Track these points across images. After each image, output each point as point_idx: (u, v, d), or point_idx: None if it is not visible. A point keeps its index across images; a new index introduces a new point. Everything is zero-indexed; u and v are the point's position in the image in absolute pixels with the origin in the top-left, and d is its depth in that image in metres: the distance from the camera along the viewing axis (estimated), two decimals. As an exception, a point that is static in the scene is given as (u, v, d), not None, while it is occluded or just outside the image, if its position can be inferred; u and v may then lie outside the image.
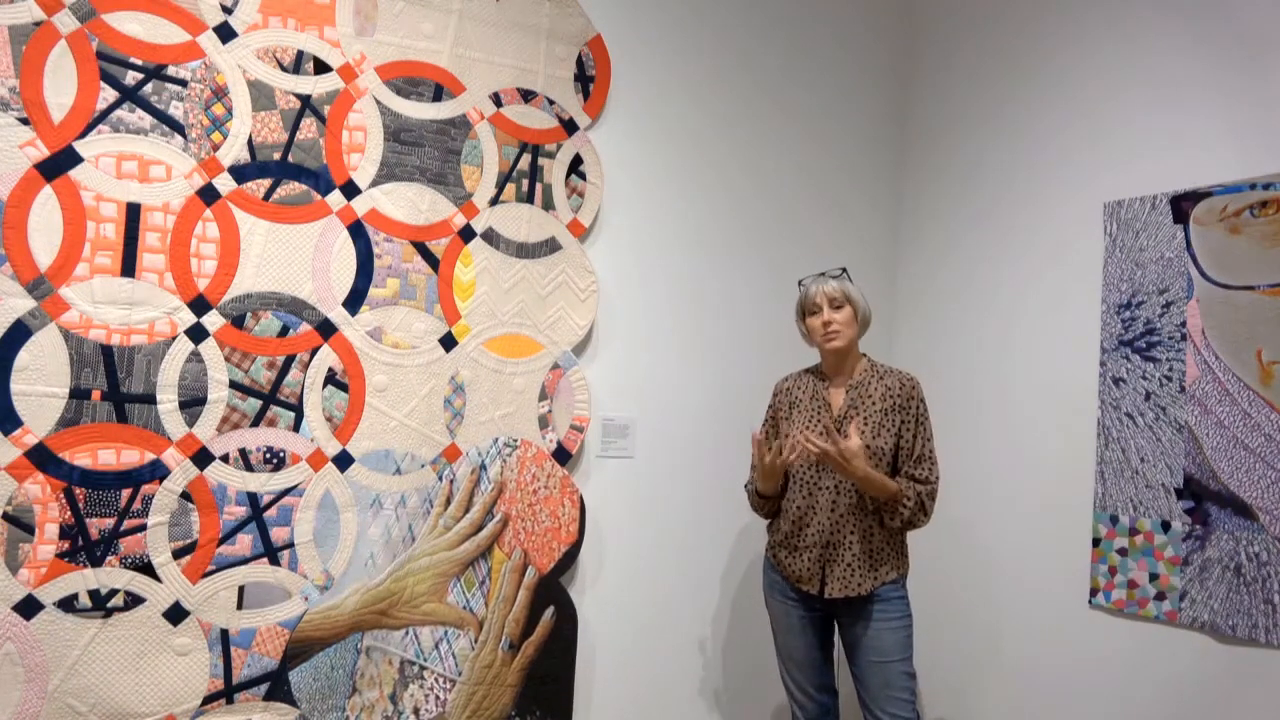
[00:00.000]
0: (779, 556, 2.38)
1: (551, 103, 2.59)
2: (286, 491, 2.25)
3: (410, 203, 2.40)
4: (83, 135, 2.05)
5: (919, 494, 2.24)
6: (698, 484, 2.85)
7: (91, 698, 2.05)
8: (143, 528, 2.09)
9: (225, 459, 2.18)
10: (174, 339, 2.14)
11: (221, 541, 2.18)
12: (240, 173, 2.21)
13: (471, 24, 2.49)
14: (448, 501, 2.44)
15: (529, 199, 2.56)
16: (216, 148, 2.19)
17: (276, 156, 2.25)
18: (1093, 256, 2.57)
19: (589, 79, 2.65)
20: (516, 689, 2.49)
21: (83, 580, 2.04)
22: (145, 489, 2.10)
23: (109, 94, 2.08)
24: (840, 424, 2.31)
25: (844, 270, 2.38)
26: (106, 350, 2.07)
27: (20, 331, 1.99)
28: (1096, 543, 2.49)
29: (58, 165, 2.03)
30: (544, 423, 2.56)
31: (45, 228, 2.02)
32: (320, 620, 2.28)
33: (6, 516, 1.97)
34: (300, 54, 2.28)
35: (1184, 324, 2.33)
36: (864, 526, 2.27)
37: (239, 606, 2.20)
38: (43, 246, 2.01)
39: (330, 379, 2.30)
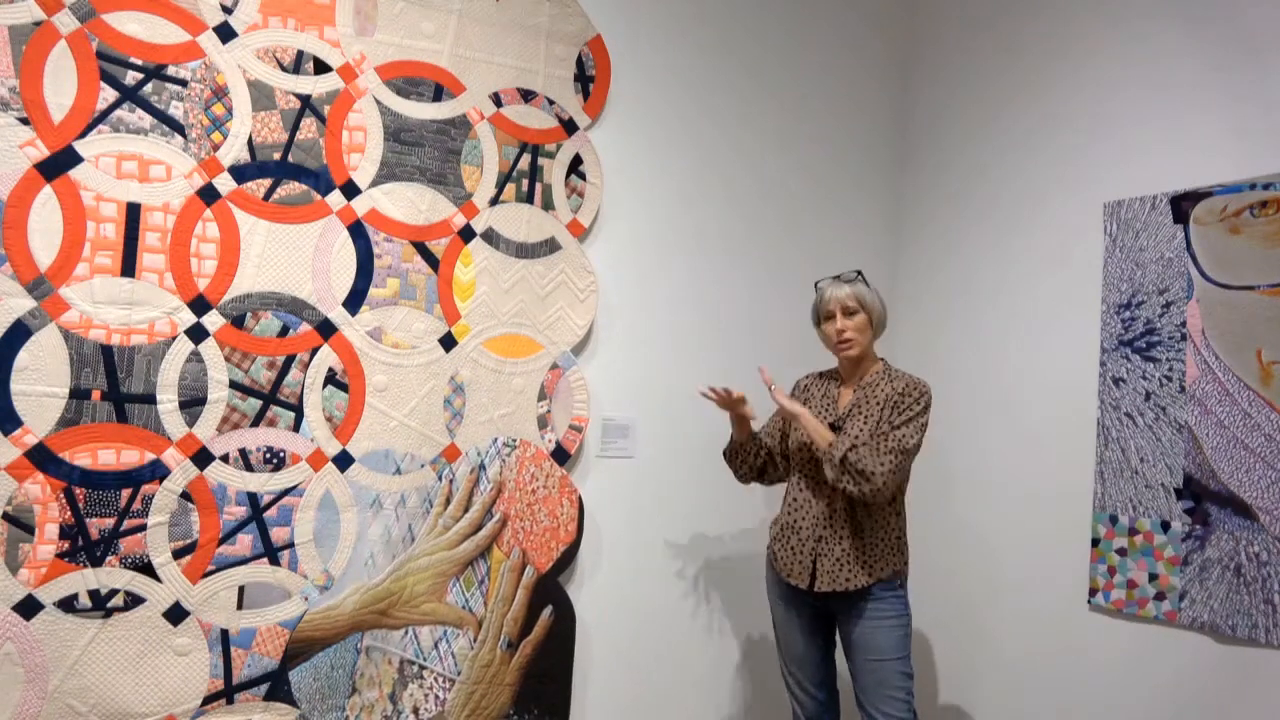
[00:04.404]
0: (774, 550, 2.39)
1: (551, 103, 2.59)
2: (286, 491, 2.25)
3: (410, 203, 2.40)
4: (83, 135, 2.05)
5: (856, 449, 2.16)
6: (698, 484, 2.85)
7: (91, 698, 2.05)
8: (143, 528, 2.10)
9: (225, 459, 2.19)
10: (174, 339, 2.14)
11: (221, 541, 2.18)
12: (240, 173, 2.21)
13: (471, 24, 2.49)
14: (447, 501, 2.44)
15: (529, 199, 2.56)
16: (216, 148, 2.19)
17: (276, 156, 2.26)
18: (1093, 256, 2.57)
19: (589, 79, 2.65)
20: (515, 688, 2.50)
21: (83, 580, 2.04)
22: (145, 489, 2.10)
23: (109, 94, 2.08)
24: (842, 421, 2.31)
25: (859, 274, 2.35)
26: (106, 350, 2.07)
27: (20, 331, 1.99)
28: (1096, 543, 2.49)
29: (58, 165, 2.03)
30: (543, 423, 2.56)
31: (45, 228, 2.02)
32: (320, 620, 2.28)
33: (6, 516, 1.97)
34: (300, 54, 2.28)
35: (1184, 324, 2.33)
36: (856, 522, 2.27)
37: (239, 606, 2.20)
38: (43, 246, 2.01)
39: (330, 379, 2.30)
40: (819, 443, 2.24)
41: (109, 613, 2.07)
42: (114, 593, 2.07)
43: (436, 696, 2.41)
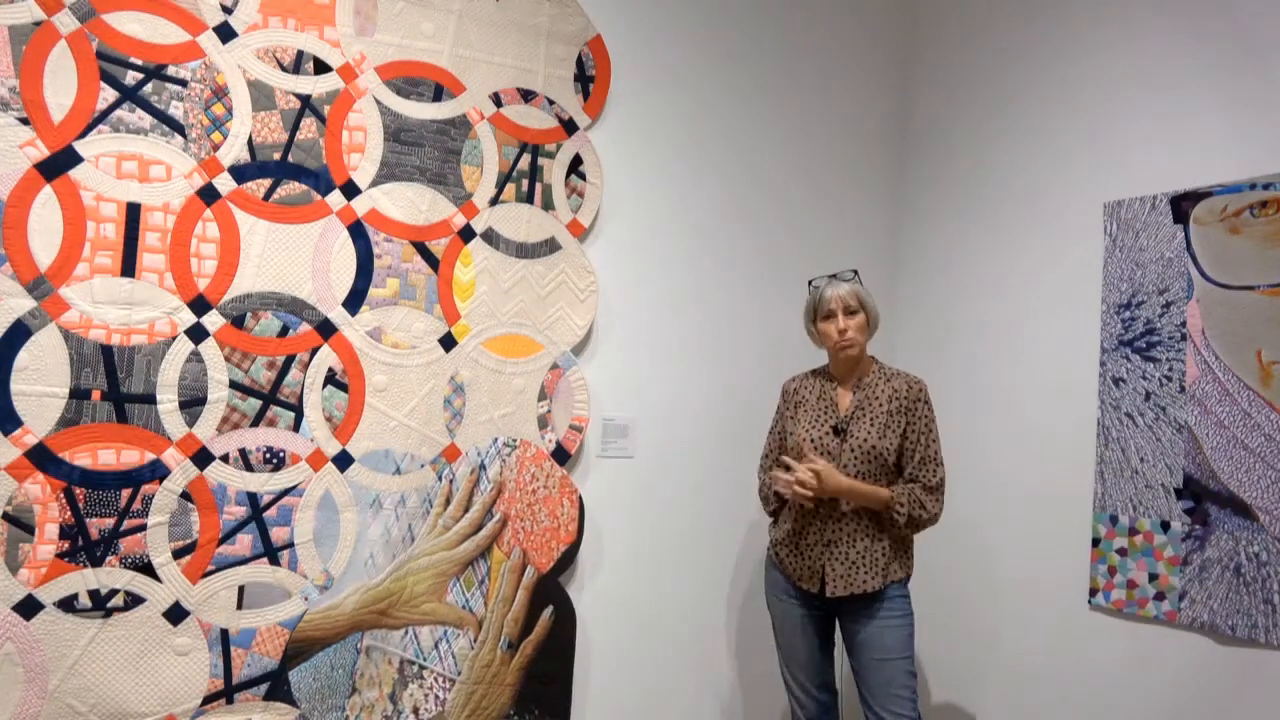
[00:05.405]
0: (780, 555, 2.39)
1: (551, 103, 2.59)
2: (286, 491, 2.25)
3: (410, 203, 2.40)
4: (83, 135, 2.05)
5: (912, 494, 2.24)
6: (698, 484, 2.85)
7: (91, 698, 2.05)
8: (143, 528, 2.10)
9: (225, 459, 2.19)
10: (174, 339, 2.14)
11: (221, 541, 2.18)
12: (240, 173, 2.21)
13: (471, 24, 2.49)
14: (447, 501, 2.44)
15: (529, 199, 2.56)
16: (216, 148, 2.19)
17: (276, 156, 2.26)
18: (1093, 256, 2.57)
19: (589, 79, 2.65)
20: (515, 688, 2.49)
21: (83, 580, 2.04)
22: (145, 489, 2.10)
23: (109, 94, 2.08)
24: (846, 424, 2.31)
25: (856, 273, 2.37)
26: (106, 350, 2.07)
27: (20, 331, 1.99)
28: (1096, 543, 2.49)
29: (58, 165, 2.03)
30: (543, 423, 2.56)
31: (45, 228, 2.02)
32: (320, 620, 2.28)
33: (6, 516, 1.97)
34: (300, 54, 2.28)
35: (1184, 324, 2.33)
36: (864, 526, 2.27)
37: (239, 606, 2.20)
38: (43, 246, 2.01)
39: (330, 379, 2.30)
40: (875, 506, 2.26)
41: (109, 613, 2.07)
42: (114, 593, 2.07)
43: (436, 696, 2.41)
